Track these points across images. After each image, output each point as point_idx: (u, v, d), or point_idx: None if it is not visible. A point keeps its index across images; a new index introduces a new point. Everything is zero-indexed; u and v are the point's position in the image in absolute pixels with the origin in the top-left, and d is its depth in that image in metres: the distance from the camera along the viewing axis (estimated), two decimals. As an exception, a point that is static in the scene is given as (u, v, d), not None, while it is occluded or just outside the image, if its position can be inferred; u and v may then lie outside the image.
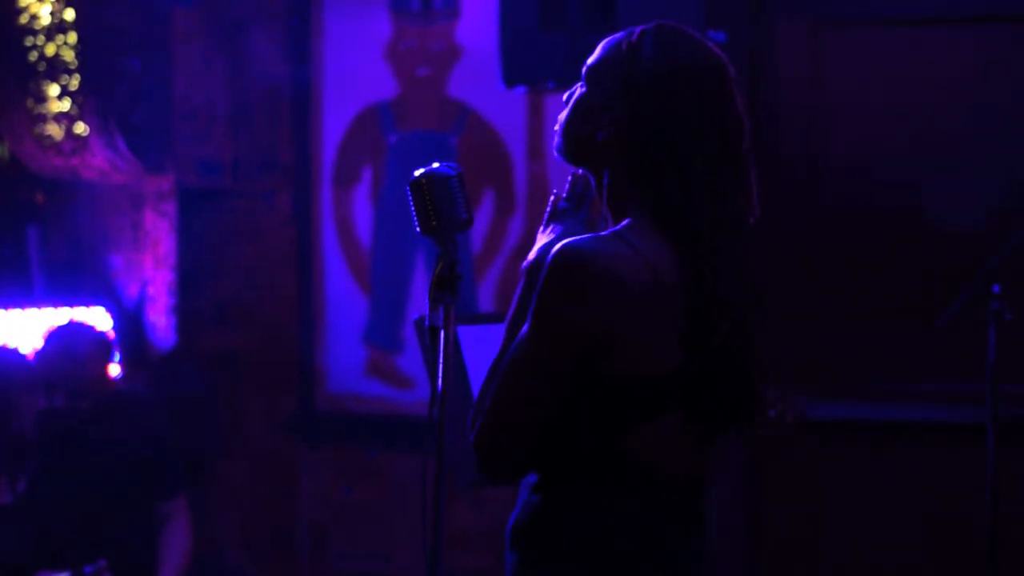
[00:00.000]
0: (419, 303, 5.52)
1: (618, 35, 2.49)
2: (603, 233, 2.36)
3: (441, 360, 2.41)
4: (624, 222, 2.37)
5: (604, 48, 2.48)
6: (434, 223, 2.44)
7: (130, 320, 5.79)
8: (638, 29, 2.47)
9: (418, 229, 2.46)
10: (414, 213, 2.45)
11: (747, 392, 2.40)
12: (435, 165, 2.47)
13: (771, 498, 5.35)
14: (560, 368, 2.31)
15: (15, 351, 5.13)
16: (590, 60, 2.49)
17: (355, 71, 5.70)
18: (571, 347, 2.30)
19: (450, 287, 2.43)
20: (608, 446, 2.34)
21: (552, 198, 2.61)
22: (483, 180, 5.47)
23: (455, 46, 5.59)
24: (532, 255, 2.47)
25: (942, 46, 5.26)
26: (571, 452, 2.36)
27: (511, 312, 2.42)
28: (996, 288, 4.36)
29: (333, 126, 5.73)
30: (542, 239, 2.52)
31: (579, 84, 2.50)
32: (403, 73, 5.65)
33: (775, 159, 5.34)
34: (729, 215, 2.40)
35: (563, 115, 2.50)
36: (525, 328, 2.33)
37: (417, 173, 2.45)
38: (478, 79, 5.47)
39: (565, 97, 2.52)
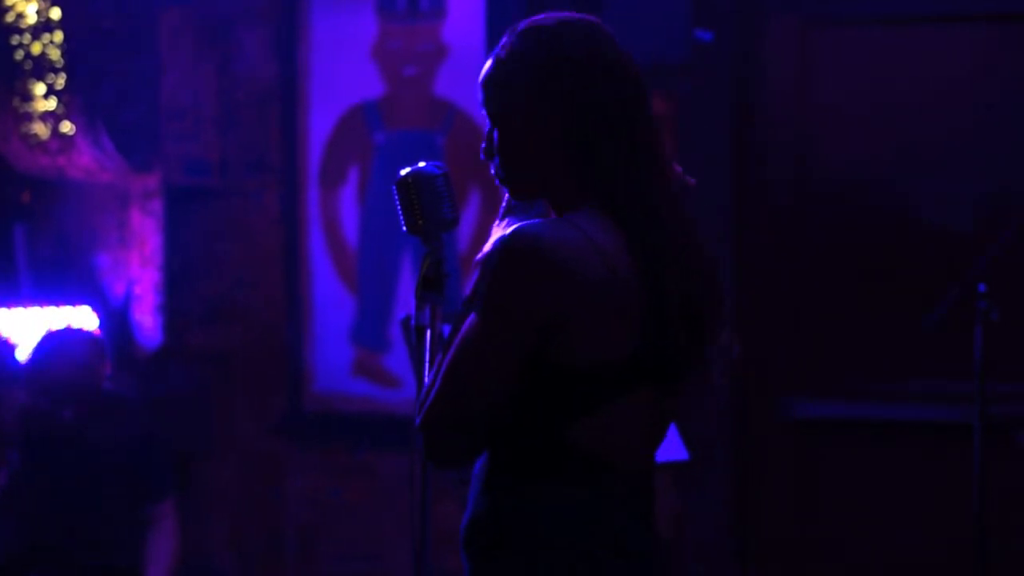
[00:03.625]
0: (406, 302, 5.52)
1: (490, 56, 2.46)
2: (553, 218, 2.35)
3: (427, 359, 2.42)
4: (579, 211, 2.35)
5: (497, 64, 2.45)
6: (420, 222, 2.44)
7: (117, 319, 5.77)
8: (503, 42, 2.45)
9: (404, 228, 2.46)
10: (400, 212, 2.45)
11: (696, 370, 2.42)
12: (421, 164, 2.47)
13: (760, 497, 5.36)
14: (509, 353, 2.28)
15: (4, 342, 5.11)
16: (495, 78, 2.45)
17: (342, 70, 5.69)
18: (520, 331, 2.28)
19: (436, 286, 2.44)
20: (557, 437, 2.32)
21: (507, 194, 2.56)
22: (470, 179, 5.47)
23: (442, 45, 5.59)
24: (487, 248, 2.45)
25: (931, 45, 5.27)
26: (520, 444, 2.34)
27: (463, 302, 2.40)
28: (983, 287, 4.36)
29: (320, 125, 5.72)
30: (497, 232, 2.48)
31: (490, 123, 2.46)
32: (390, 72, 5.65)
33: (763, 158, 5.34)
34: (660, 201, 2.38)
35: (499, 159, 2.44)
36: (474, 313, 2.30)
37: (403, 172, 2.46)
38: (465, 78, 5.46)
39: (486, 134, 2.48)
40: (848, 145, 5.31)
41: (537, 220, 2.34)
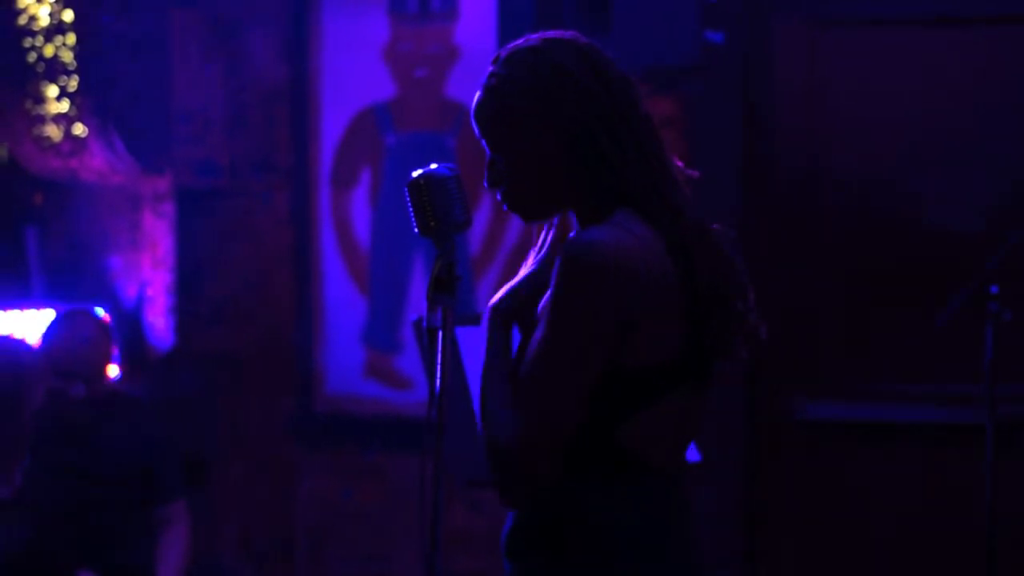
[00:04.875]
0: (417, 304, 5.52)
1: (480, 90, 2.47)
2: (605, 225, 2.35)
3: (439, 361, 2.42)
4: (615, 216, 2.36)
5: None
6: (432, 224, 2.44)
7: (128, 321, 5.78)
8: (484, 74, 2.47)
9: (416, 230, 2.46)
10: (412, 214, 2.45)
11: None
12: (433, 166, 2.47)
13: (769, 498, 5.36)
14: (595, 359, 2.29)
15: (24, 342, 5.11)
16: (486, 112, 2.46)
17: (353, 72, 5.70)
18: (604, 336, 2.28)
19: (448, 288, 2.43)
20: (604, 438, 2.33)
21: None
22: (482, 181, 5.46)
23: (453, 47, 5.59)
24: (499, 296, 2.47)
25: (940, 46, 5.27)
26: (568, 450, 2.35)
27: (488, 356, 2.38)
28: (994, 289, 4.37)
29: (331, 127, 5.72)
30: (510, 284, 2.50)
31: (491, 152, 2.47)
32: (401, 74, 5.65)
33: (772, 158, 5.34)
34: (677, 195, 2.40)
35: (507, 187, 2.46)
36: (545, 328, 2.30)
37: (415, 174, 2.46)
38: (476, 80, 5.45)
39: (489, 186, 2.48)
40: (857, 145, 5.31)
41: (593, 227, 2.34)
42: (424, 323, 2.44)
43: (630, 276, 2.28)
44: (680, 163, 2.48)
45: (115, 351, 4.79)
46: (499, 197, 2.49)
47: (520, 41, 2.47)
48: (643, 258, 2.30)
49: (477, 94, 2.48)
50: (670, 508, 2.41)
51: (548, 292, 2.39)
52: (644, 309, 2.30)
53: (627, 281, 2.28)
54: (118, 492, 4.63)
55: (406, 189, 2.46)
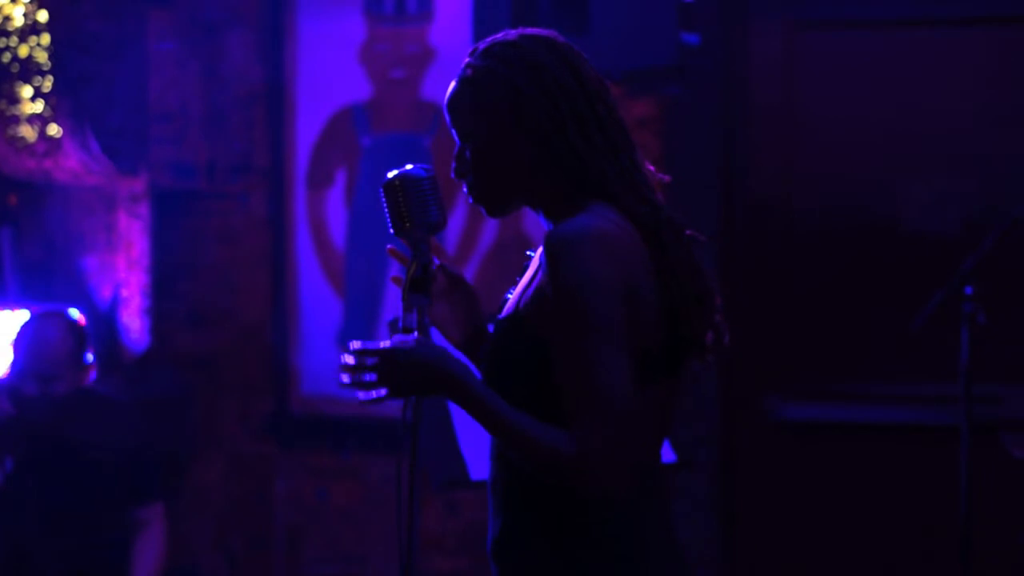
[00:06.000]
0: (393, 305, 5.52)
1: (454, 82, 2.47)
2: (582, 214, 2.32)
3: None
4: (590, 207, 2.35)
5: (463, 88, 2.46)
6: (407, 225, 2.44)
7: (103, 322, 5.76)
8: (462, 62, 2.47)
9: (391, 231, 2.46)
10: (387, 215, 2.45)
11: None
12: (408, 167, 2.47)
13: (745, 499, 5.37)
14: (627, 333, 2.25)
15: None
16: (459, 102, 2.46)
17: (329, 73, 5.69)
18: (624, 297, 2.25)
19: (423, 289, 2.44)
20: None
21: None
22: (457, 182, 5.46)
23: (429, 48, 5.59)
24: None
25: (917, 48, 5.28)
26: None
27: (479, 395, 2.29)
28: (969, 290, 4.38)
29: (307, 128, 5.72)
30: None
31: (460, 142, 2.47)
32: (377, 75, 5.65)
33: (750, 159, 5.35)
34: (650, 193, 2.39)
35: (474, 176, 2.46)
36: (563, 321, 2.25)
37: (390, 175, 2.46)
38: (452, 81, 5.46)
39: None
40: (834, 146, 5.32)
41: (580, 216, 2.31)
42: (400, 324, 2.44)
43: (620, 250, 2.27)
44: (652, 167, 2.48)
45: (88, 352, 4.77)
46: (465, 188, 2.48)
47: (498, 36, 2.48)
48: (630, 245, 2.29)
49: (451, 84, 2.48)
50: (656, 508, 2.40)
51: (525, 288, 2.39)
52: (635, 294, 2.27)
53: (620, 253, 2.27)
54: (95, 494, 4.61)
55: (381, 190, 2.46)
